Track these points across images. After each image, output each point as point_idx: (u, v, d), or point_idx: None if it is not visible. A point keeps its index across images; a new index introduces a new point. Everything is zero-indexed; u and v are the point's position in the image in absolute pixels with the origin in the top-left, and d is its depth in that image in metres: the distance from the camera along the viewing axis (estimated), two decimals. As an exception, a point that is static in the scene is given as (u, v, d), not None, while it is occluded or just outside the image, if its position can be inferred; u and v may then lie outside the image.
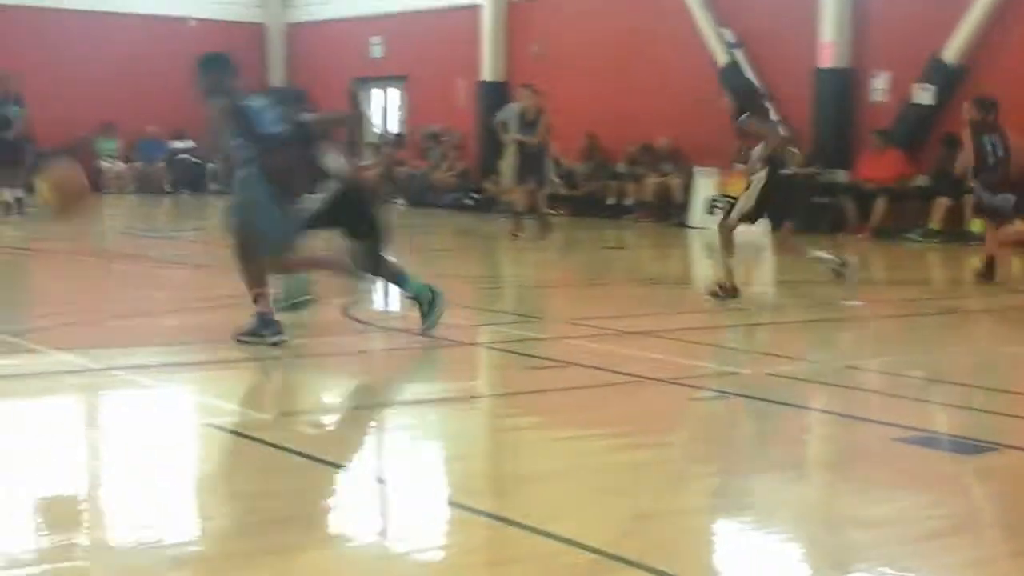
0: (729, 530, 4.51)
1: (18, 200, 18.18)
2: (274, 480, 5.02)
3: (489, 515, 4.53)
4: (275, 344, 7.49)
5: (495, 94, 22.59)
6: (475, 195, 22.31)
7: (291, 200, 7.76)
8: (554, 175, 18.13)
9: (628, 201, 20.26)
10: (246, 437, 5.60)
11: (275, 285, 8.05)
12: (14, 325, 8.41)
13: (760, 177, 10.09)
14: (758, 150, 10.15)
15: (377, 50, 25.81)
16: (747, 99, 10.52)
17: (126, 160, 25.75)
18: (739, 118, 10.18)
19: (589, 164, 21.00)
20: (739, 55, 19.42)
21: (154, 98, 25.61)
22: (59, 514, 4.44)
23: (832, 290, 10.58)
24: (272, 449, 5.43)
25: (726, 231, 10.27)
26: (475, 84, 23.45)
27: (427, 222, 20.35)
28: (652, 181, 19.90)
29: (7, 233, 16.07)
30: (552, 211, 17.50)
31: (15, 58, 23.78)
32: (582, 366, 7.39)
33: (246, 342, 7.49)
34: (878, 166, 17.50)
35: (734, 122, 10.24)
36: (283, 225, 7.64)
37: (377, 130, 26.32)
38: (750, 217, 10.25)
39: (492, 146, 20.54)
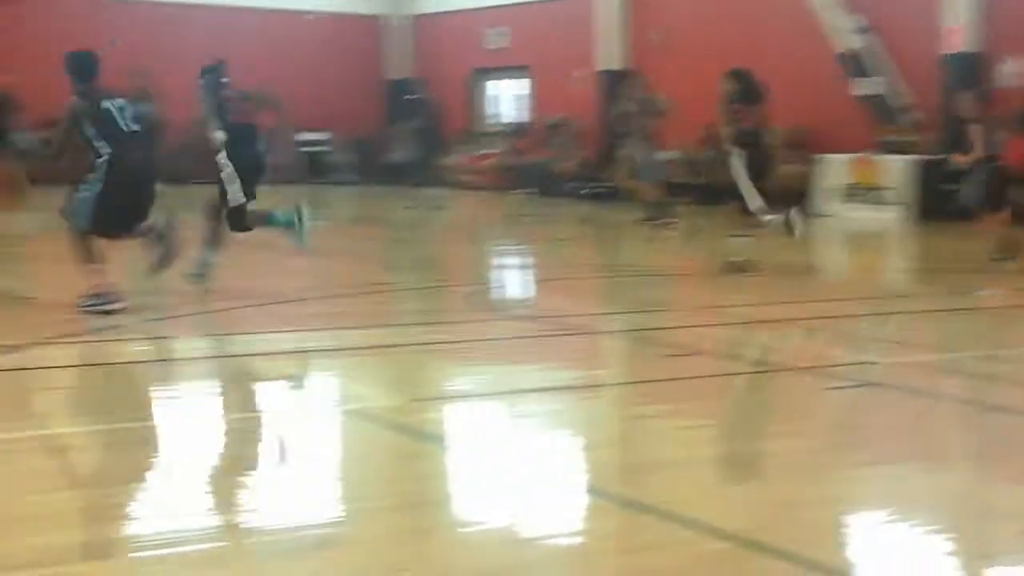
0: (870, 520, 4.42)
1: None
2: (409, 465, 5.07)
3: (623, 501, 4.52)
4: (108, 312, 8.12)
5: (615, 83, 22.49)
6: (597, 184, 22.24)
7: (146, 190, 8.72)
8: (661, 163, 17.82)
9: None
10: (382, 422, 5.65)
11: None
12: (151, 312, 8.58)
13: None
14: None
15: (499, 40, 25.88)
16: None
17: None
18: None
19: (710, 152, 20.82)
20: (867, 41, 19.10)
21: (283, 91, 25.95)
22: (203, 497, 4.53)
23: (967, 278, 10.36)
24: (407, 434, 5.48)
25: None
26: (594, 73, 23.40)
27: (549, 211, 20.37)
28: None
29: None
30: (674, 199, 17.35)
31: (137, 55, 24.37)
32: (713, 355, 7.32)
33: (87, 309, 8.21)
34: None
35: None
36: (113, 214, 8.50)
37: (499, 120, 26.42)
38: None
39: (612, 135, 20.47)
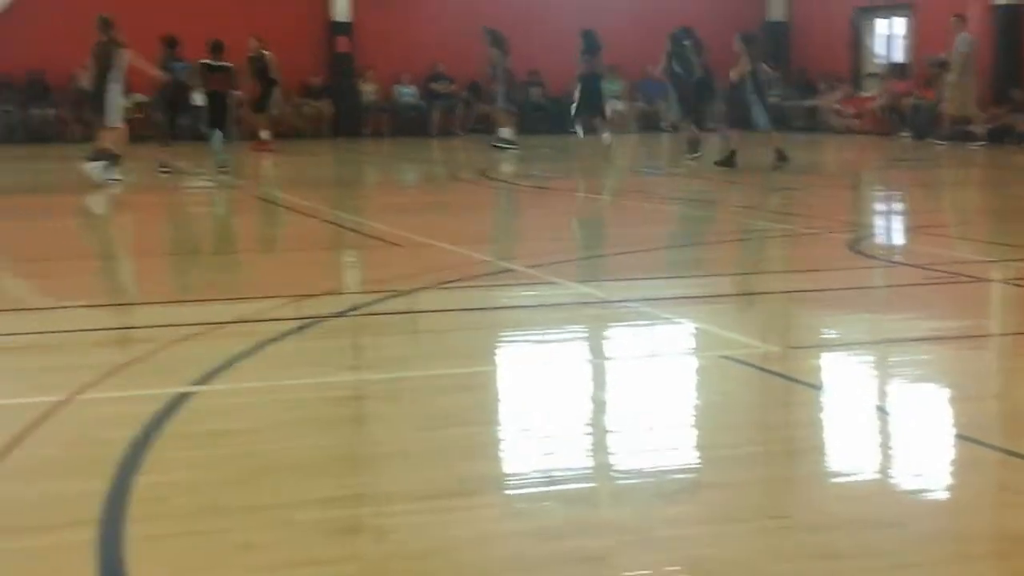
0: None
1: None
2: (783, 412, 5.07)
3: (1006, 453, 4.37)
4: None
5: (1010, 19, 21.33)
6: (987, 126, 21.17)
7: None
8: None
9: None
10: (757, 368, 5.67)
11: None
12: (532, 259, 8.91)
13: None
14: None
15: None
16: None
17: (630, 99, 26.44)
18: None
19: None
20: None
21: (655, 40, 26.09)
22: (574, 439, 4.67)
23: None
24: (783, 381, 5.48)
25: None
26: (988, 8, 22.21)
27: (931, 155, 19.60)
28: None
29: (511, 169, 16.97)
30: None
31: (530, 4, 25.02)
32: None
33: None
34: None
35: None
36: None
37: (880, 61, 25.54)
38: None
39: (1009, 73, 19.56)
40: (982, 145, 20.18)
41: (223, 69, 17.54)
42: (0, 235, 11.33)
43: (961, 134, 21.16)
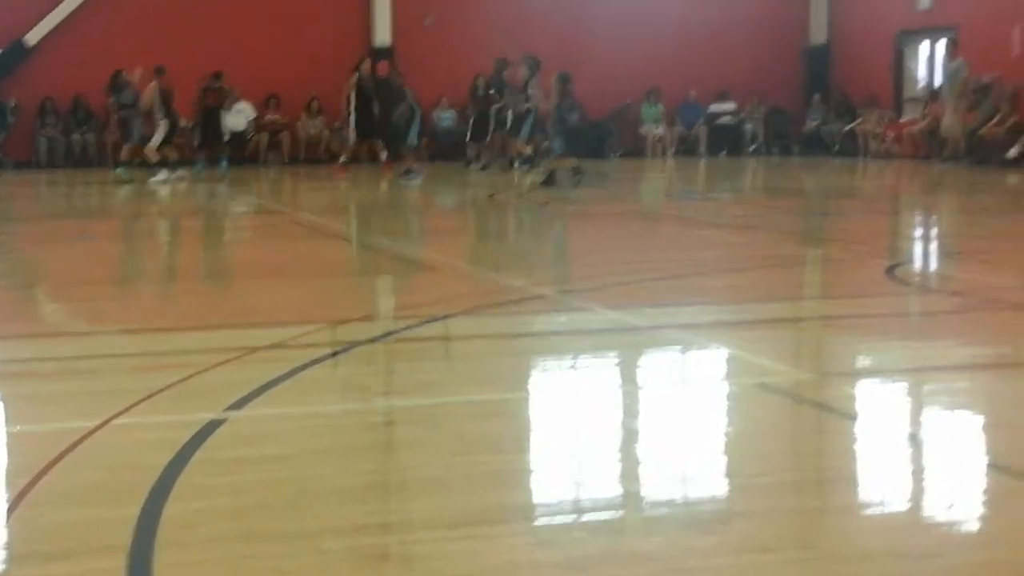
0: None
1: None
2: (817, 440, 5.04)
3: (1041, 485, 4.32)
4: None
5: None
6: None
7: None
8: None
9: None
10: (791, 396, 5.63)
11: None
12: (564, 284, 8.90)
13: None
14: None
15: (925, 1, 24.87)
16: None
17: (669, 124, 26.44)
18: None
19: None
20: None
21: (696, 63, 26.15)
22: (604, 466, 4.66)
23: None
24: (816, 409, 5.45)
25: None
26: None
27: (974, 180, 19.47)
28: None
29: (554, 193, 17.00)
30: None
31: (571, 29, 25.10)
32: None
33: None
34: None
35: None
36: None
37: (922, 85, 25.42)
38: None
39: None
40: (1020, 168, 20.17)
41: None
42: (39, 259, 11.44)
43: (999, 158, 21.10)
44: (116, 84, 20.44)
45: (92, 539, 3.84)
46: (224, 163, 21.89)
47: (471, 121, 23.08)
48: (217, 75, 21.70)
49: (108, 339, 7.24)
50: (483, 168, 21.85)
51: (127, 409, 5.30)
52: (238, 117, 23.51)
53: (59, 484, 4.37)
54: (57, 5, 23.73)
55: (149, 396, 5.54)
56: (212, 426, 5.02)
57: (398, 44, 24.71)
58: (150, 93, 19.99)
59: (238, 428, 5.10)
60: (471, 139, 23.07)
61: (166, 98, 20.03)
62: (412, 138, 20.63)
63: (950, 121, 22.23)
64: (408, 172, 19.63)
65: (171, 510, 4.05)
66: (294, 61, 24.31)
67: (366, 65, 20.74)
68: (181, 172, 20.18)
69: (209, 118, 21.79)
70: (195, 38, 23.42)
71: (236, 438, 4.97)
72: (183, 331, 7.54)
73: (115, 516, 3.97)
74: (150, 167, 20.44)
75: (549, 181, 18.09)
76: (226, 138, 22.29)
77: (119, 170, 20.14)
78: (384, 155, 20.51)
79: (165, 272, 11.12)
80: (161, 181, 19.77)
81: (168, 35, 22.94)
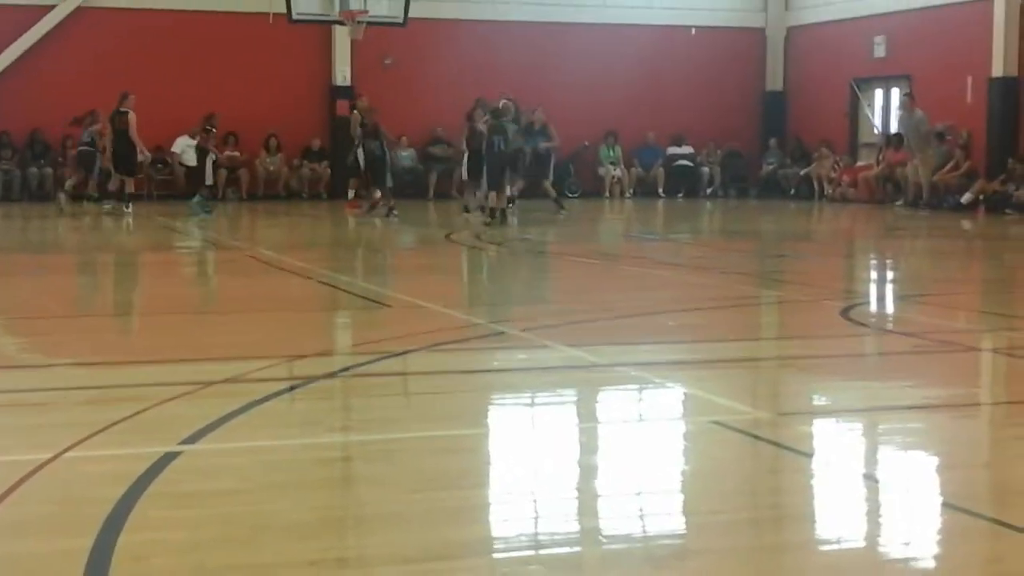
0: None
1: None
2: (773, 479, 5.06)
3: (994, 524, 4.35)
4: None
5: (1006, 90, 21.59)
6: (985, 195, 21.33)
7: None
8: None
9: None
10: (747, 435, 5.66)
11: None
12: (525, 322, 8.91)
13: None
14: None
15: (880, 49, 25.19)
16: None
17: (627, 165, 26.57)
18: None
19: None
20: None
21: (654, 106, 26.34)
22: (560, 503, 4.66)
23: None
24: (773, 447, 5.47)
25: None
26: (985, 80, 22.43)
27: (928, 224, 19.68)
28: None
29: (512, 235, 17.04)
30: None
31: (530, 71, 25.23)
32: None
33: None
34: None
35: None
36: None
37: (877, 130, 25.71)
38: None
39: (1004, 144, 19.99)
40: (973, 213, 20.45)
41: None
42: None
43: (954, 203, 21.38)
44: (91, 120, 20.87)
45: (44, 571, 3.80)
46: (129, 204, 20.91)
47: (466, 157, 20.22)
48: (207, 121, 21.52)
49: (63, 372, 7.18)
50: (492, 217, 18.51)
51: (81, 441, 5.25)
52: (188, 152, 23.29)
53: (11, 515, 4.33)
54: (14, 41, 23.61)
55: (104, 429, 5.49)
56: (167, 459, 4.99)
57: (358, 83, 24.71)
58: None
59: (193, 462, 5.07)
60: (470, 177, 20.11)
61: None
62: (388, 177, 20.42)
63: (915, 169, 22.51)
64: (391, 211, 19.61)
65: (124, 542, 4.01)
66: (253, 99, 24.27)
67: (363, 102, 20.81)
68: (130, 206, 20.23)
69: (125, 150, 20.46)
70: (152, 75, 23.33)
71: (191, 472, 4.93)
72: (138, 365, 7.49)
73: (68, 548, 3.93)
74: (104, 198, 20.66)
75: (502, 219, 18.18)
76: (208, 182, 21.49)
77: (107, 204, 20.53)
78: (377, 193, 20.37)
79: (121, 306, 11.04)
80: (111, 211, 20.01)
81: (126, 72, 22.82)
